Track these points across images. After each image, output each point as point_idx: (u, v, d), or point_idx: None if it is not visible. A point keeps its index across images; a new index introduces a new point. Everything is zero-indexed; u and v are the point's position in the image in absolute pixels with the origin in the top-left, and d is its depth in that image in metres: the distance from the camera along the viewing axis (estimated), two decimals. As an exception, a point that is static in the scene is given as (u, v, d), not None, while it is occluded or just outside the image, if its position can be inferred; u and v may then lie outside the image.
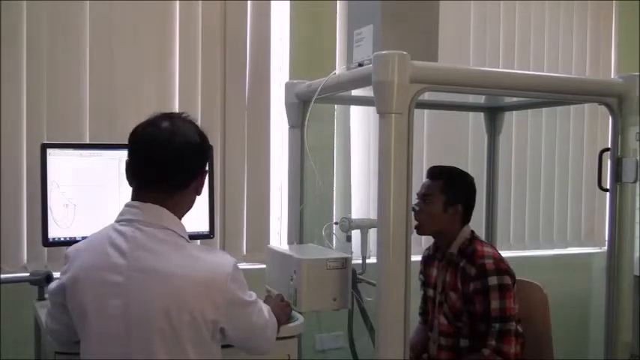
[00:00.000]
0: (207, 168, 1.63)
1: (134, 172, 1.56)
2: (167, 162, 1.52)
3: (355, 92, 2.26)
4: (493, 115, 2.83)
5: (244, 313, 1.54)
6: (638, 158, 2.04)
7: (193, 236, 2.10)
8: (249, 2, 2.87)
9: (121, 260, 1.46)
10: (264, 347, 1.66)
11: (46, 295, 2.06)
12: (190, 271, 1.45)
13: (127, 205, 1.55)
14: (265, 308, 1.64)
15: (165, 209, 1.52)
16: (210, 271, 1.47)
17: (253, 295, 1.59)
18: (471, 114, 3.19)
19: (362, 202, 3.12)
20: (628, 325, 2.06)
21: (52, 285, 1.61)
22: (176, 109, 2.72)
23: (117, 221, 1.54)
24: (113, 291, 1.45)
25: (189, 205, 1.61)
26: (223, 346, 1.56)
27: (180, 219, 1.56)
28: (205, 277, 1.46)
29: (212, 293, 1.45)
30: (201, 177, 1.59)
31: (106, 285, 1.46)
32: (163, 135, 1.53)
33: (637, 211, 2.12)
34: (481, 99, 2.63)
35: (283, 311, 1.83)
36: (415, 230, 2.22)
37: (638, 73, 2.06)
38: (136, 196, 1.55)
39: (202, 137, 1.60)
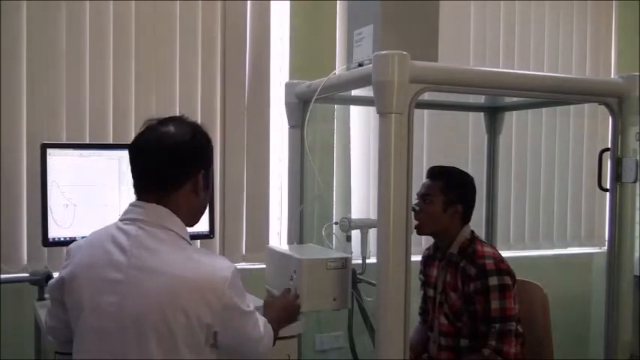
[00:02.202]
0: (205, 169, 1.61)
1: (133, 175, 1.58)
2: (156, 163, 1.54)
3: (355, 92, 2.26)
4: (493, 115, 2.83)
5: (239, 321, 1.52)
6: (638, 158, 2.04)
7: (193, 236, 2.09)
8: (249, 2, 2.88)
9: (122, 258, 1.46)
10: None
11: (46, 295, 2.07)
12: (189, 272, 1.45)
13: (131, 205, 1.56)
14: (261, 321, 1.62)
15: (167, 210, 1.52)
16: (208, 274, 1.46)
17: (251, 306, 1.57)
18: (471, 114, 3.19)
19: (362, 202, 3.12)
20: (628, 325, 2.06)
21: (52, 281, 1.62)
22: (176, 109, 2.72)
23: (121, 220, 1.55)
24: (111, 288, 1.45)
25: (192, 207, 1.59)
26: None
27: (187, 221, 1.57)
28: (203, 279, 1.45)
29: (209, 296, 1.44)
30: (197, 177, 1.57)
31: (105, 281, 1.46)
32: (153, 136, 1.54)
33: (637, 211, 2.12)
34: (481, 99, 2.63)
35: (292, 307, 1.84)
36: (415, 230, 2.22)
37: (638, 73, 2.05)
38: (139, 197, 1.56)
39: (197, 137, 1.59)
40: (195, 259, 1.49)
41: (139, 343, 1.42)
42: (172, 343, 1.42)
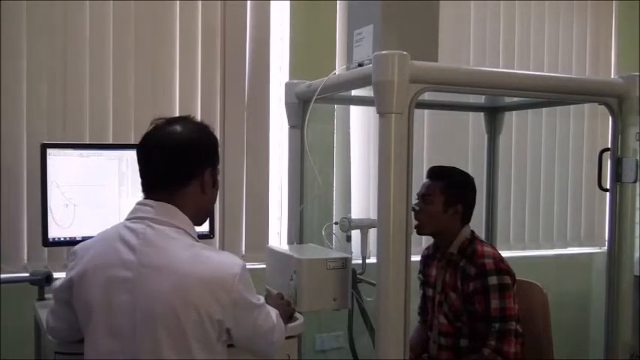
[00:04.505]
0: (211, 167, 1.62)
1: (140, 173, 1.59)
2: (162, 160, 1.55)
3: (355, 92, 2.26)
4: (493, 115, 2.83)
5: (250, 316, 1.54)
6: (638, 158, 2.04)
7: (193, 236, 2.09)
8: (249, 2, 2.87)
9: (131, 256, 1.47)
10: (269, 351, 1.66)
11: (47, 295, 2.07)
12: (199, 269, 1.46)
13: (138, 204, 1.57)
14: (274, 312, 1.64)
15: (174, 207, 1.53)
16: (218, 271, 1.47)
17: (261, 299, 1.59)
18: (471, 114, 3.19)
19: (362, 202, 3.12)
20: (628, 325, 2.06)
21: (58, 282, 1.62)
22: (176, 108, 2.72)
23: (128, 219, 1.56)
24: (122, 286, 1.46)
25: (199, 205, 1.59)
26: (228, 346, 1.56)
27: (194, 219, 1.57)
28: (213, 276, 1.46)
29: (219, 292, 1.46)
30: (203, 175, 1.59)
31: (115, 280, 1.47)
32: (160, 135, 1.57)
33: (637, 211, 2.12)
34: (481, 99, 2.63)
35: (284, 310, 1.83)
36: (415, 230, 2.22)
37: (638, 73, 2.05)
38: (146, 196, 1.58)
39: (203, 136, 1.61)
40: (204, 256, 1.49)
41: (151, 341, 1.43)
42: (184, 341, 1.43)
